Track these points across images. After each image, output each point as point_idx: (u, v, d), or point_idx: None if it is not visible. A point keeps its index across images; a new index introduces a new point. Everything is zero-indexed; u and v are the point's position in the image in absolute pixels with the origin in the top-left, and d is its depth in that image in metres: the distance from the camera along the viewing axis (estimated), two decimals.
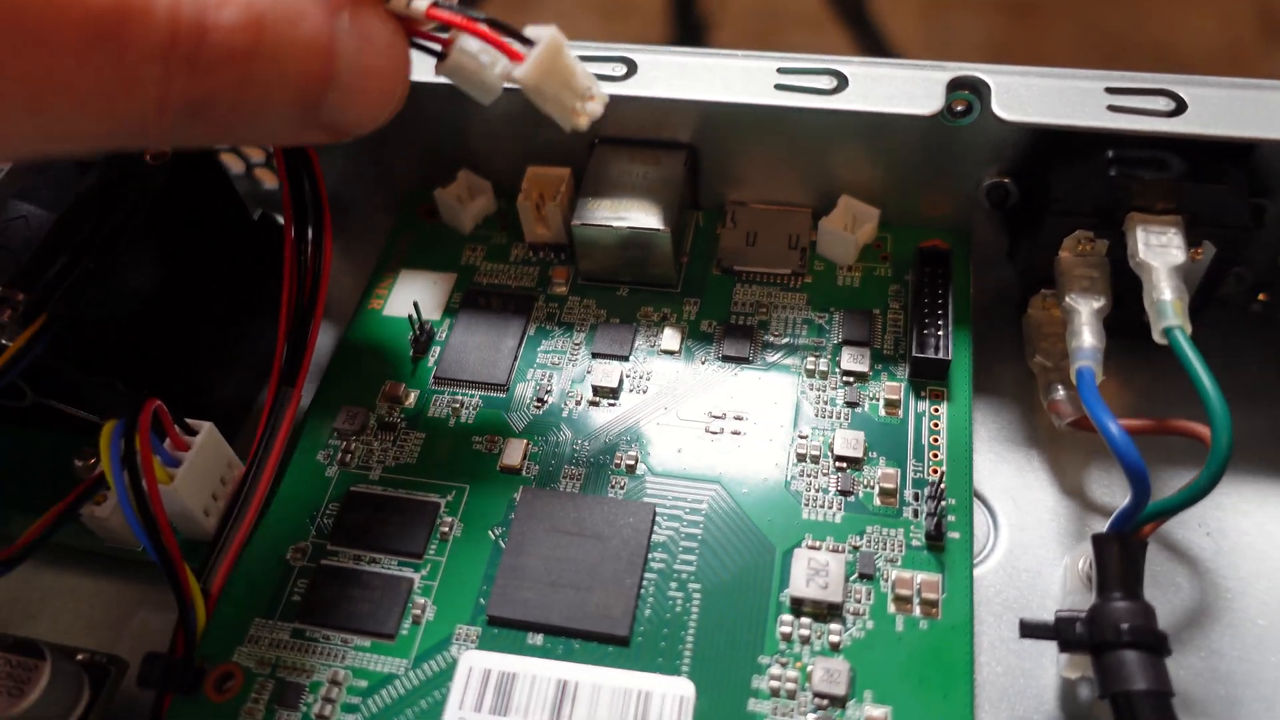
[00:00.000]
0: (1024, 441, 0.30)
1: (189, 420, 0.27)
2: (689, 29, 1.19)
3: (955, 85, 0.28)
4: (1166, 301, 0.25)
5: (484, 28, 0.22)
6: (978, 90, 0.27)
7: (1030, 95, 0.27)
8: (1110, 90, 0.27)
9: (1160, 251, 0.26)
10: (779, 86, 0.28)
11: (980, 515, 0.29)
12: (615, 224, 0.30)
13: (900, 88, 0.28)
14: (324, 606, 0.26)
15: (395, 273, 0.33)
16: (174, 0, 0.16)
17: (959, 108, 0.28)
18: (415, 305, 0.31)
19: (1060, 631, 0.24)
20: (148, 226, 0.28)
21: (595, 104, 0.23)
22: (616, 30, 1.35)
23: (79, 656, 0.26)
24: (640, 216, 0.30)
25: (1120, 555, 0.24)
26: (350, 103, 0.20)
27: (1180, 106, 0.26)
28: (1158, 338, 0.25)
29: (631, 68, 0.30)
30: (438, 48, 0.22)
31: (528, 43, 0.22)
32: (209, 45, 0.17)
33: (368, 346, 0.32)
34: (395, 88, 0.21)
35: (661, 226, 0.30)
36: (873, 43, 1.16)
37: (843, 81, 0.28)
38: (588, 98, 0.23)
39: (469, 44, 0.22)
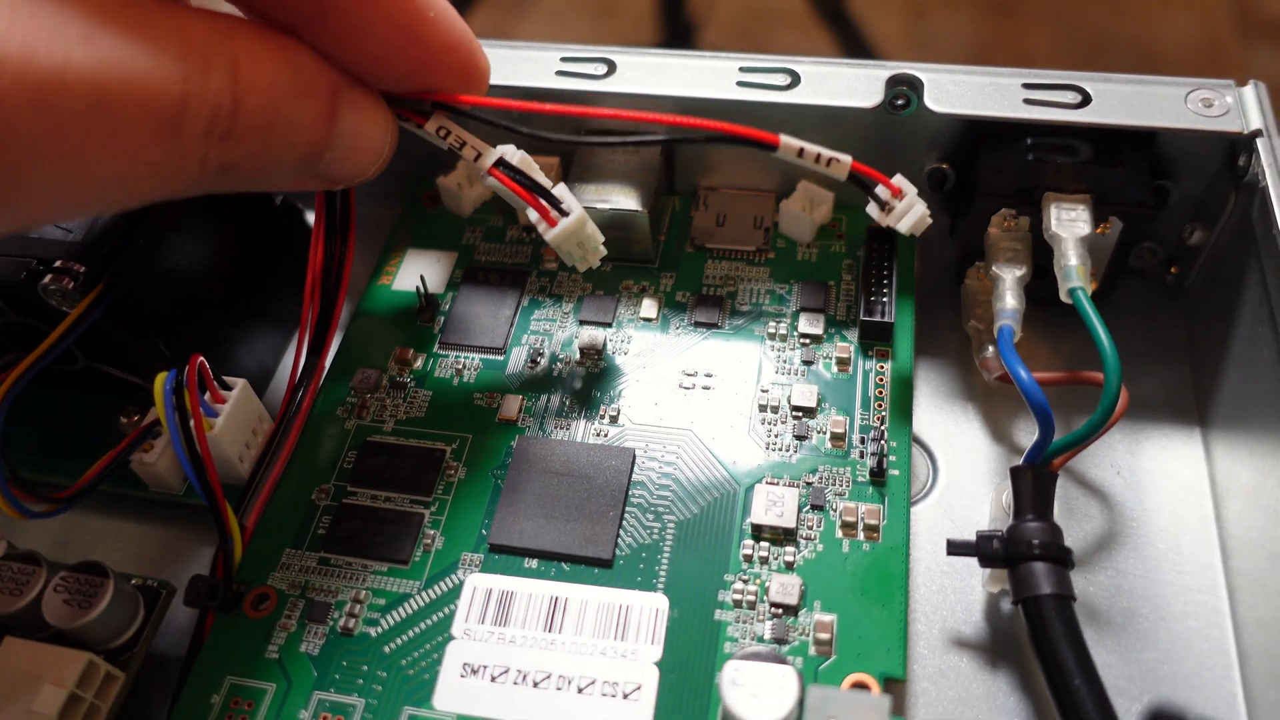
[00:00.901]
0: (961, 396, 0.34)
1: (225, 378, 0.31)
2: (678, 30, 1.22)
3: (893, 82, 0.32)
4: (1071, 266, 0.29)
5: (531, 195, 0.28)
6: (913, 86, 0.31)
7: (958, 90, 0.31)
8: (1026, 85, 0.31)
9: (1069, 225, 0.30)
10: (740, 84, 0.32)
11: (921, 459, 0.33)
12: (600, 206, 0.34)
13: (846, 84, 0.32)
14: (346, 538, 0.30)
15: (403, 252, 0.37)
16: (218, 92, 0.21)
17: (899, 101, 0.32)
18: (421, 278, 0.35)
19: (980, 548, 0.28)
20: (186, 209, 0.32)
21: (595, 258, 0.30)
22: (605, 29, 1.39)
23: (133, 580, 0.29)
24: (622, 199, 0.34)
25: (1032, 483, 0.28)
26: (343, 161, 0.25)
27: (1086, 99, 0.30)
28: (1064, 297, 0.29)
29: (611, 67, 0.33)
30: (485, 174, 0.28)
31: (560, 209, 0.28)
32: (239, 123, 0.21)
33: (379, 316, 0.35)
34: (381, 149, 0.26)
35: (640, 208, 0.34)
36: (854, 42, 1.20)
37: (795, 79, 0.32)
38: (593, 253, 0.30)
39: (530, 212, 0.29)
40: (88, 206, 0.21)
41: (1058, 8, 1.39)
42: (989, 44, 1.35)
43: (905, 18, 1.38)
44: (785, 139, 0.26)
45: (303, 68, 0.23)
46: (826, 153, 0.27)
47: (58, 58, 0.18)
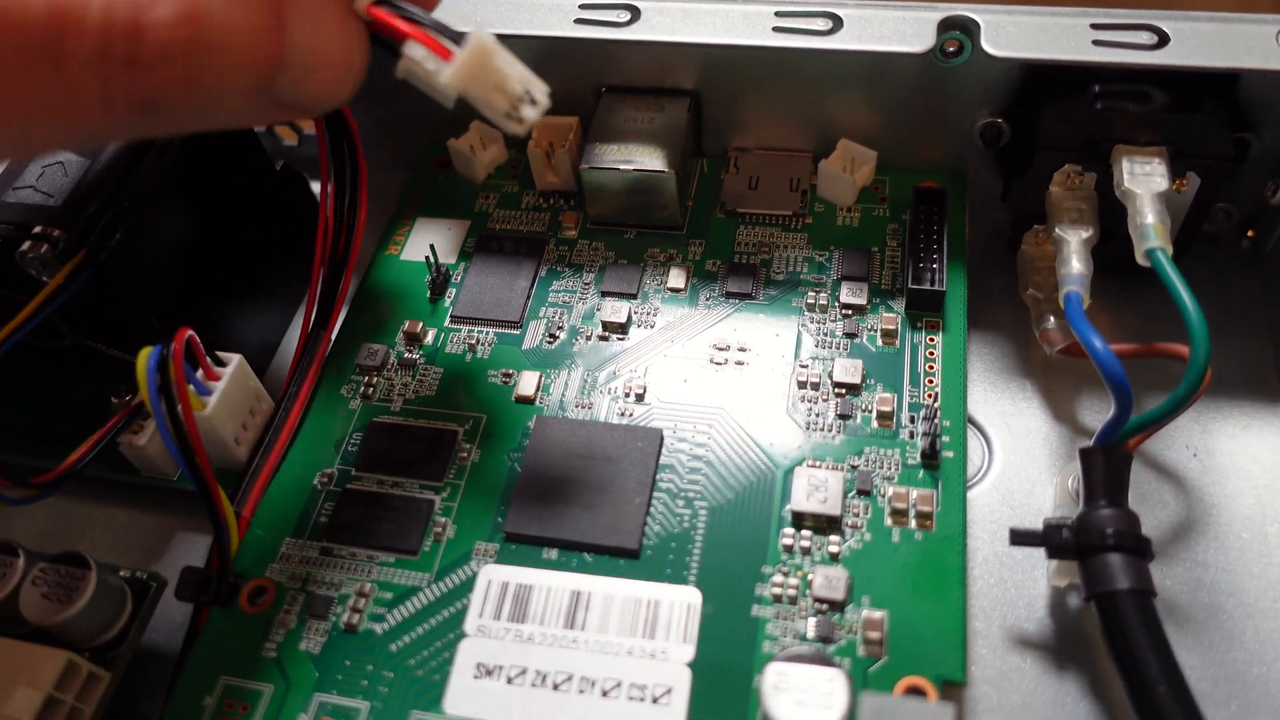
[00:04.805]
0: (1018, 371, 0.32)
1: (220, 353, 0.29)
2: None
3: (946, 25, 0.29)
4: (1149, 225, 0.26)
5: (418, 29, 0.20)
6: (967, 29, 0.28)
7: (1018, 32, 0.28)
8: (1095, 25, 0.28)
9: (1144, 180, 0.27)
10: (776, 29, 0.30)
11: (975, 440, 0.30)
12: (622, 167, 0.32)
13: (893, 28, 0.29)
14: (350, 526, 0.28)
15: (412, 220, 0.35)
16: (105, 6, 0.16)
17: (951, 48, 0.29)
18: (431, 248, 0.32)
19: (1048, 538, 0.25)
20: (176, 172, 0.29)
21: (532, 110, 0.21)
22: None
23: (121, 572, 0.27)
24: (646, 160, 0.32)
25: (1105, 465, 0.25)
26: (305, 81, 0.20)
27: (1163, 40, 0.27)
28: (1140, 260, 0.26)
29: (635, 14, 0.31)
30: (396, 44, 0.21)
31: (452, 37, 0.20)
32: (146, 45, 0.17)
33: (387, 289, 0.33)
34: (351, 61, 0.21)
35: (666, 169, 0.31)
36: None
37: (837, 23, 0.29)
38: (526, 101, 0.21)
39: (414, 49, 0.20)
40: None
41: None
42: None
43: None
44: None
45: None
46: None
47: None
